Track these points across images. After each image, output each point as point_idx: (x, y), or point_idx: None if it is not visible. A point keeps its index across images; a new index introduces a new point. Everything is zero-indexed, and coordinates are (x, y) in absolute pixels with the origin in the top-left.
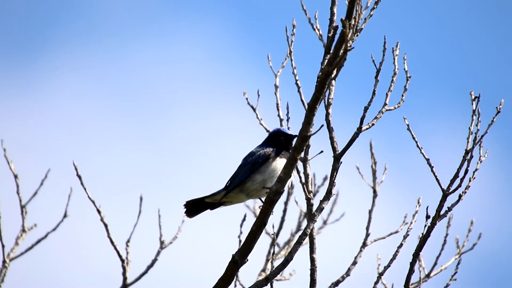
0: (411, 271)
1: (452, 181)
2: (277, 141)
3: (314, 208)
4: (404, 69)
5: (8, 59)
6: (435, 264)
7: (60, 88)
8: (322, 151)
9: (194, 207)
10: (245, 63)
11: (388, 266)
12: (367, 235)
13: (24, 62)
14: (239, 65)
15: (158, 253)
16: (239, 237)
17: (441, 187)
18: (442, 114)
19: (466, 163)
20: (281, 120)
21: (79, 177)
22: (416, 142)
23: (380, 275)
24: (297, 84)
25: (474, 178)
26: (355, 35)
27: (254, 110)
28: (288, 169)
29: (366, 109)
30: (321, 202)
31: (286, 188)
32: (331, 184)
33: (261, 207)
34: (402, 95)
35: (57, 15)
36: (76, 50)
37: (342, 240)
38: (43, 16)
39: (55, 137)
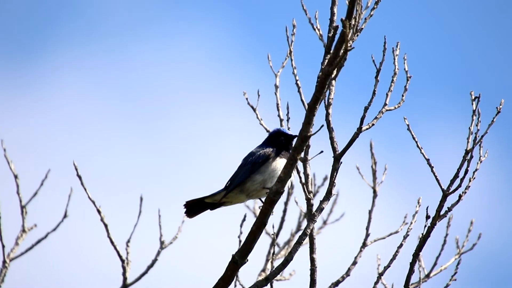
0: (411, 271)
1: (452, 181)
2: (277, 141)
3: (314, 208)
4: (404, 69)
5: (8, 59)
6: (435, 264)
7: (60, 88)
8: (322, 151)
9: (194, 207)
10: (245, 63)
11: (388, 266)
12: (367, 235)
13: (24, 62)
14: (239, 65)
15: (158, 253)
16: (239, 237)
17: (441, 187)
18: (442, 114)
19: (466, 163)
20: (281, 120)
21: (79, 177)
22: (416, 142)
23: (380, 275)
24: (297, 84)
25: (474, 178)
26: (355, 35)
27: (254, 110)
28: (288, 169)
29: (366, 109)
30: (321, 202)
31: (286, 188)
32: (331, 184)
33: (261, 207)
34: (402, 95)
35: (57, 15)
36: (76, 50)
37: (342, 240)
38: (43, 16)
39: (55, 137)
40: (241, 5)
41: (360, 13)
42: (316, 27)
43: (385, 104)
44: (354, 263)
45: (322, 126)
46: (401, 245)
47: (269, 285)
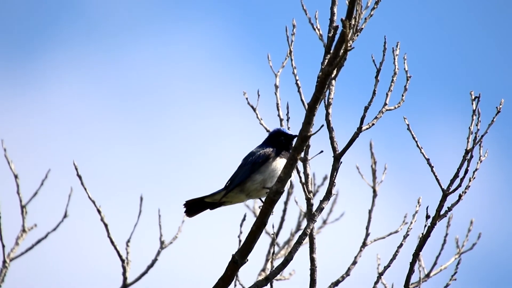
0: (411, 271)
1: (452, 181)
2: (277, 141)
3: (314, 208)
4: (404, 69)
5: (8, 59)
6: (435, 264)
7: (60, 88)
8: (322, 151)
9: (193, 207)
10: (245, 63)
11: (388, 266)
12: (367, 235)
13: (24, 62)
14: (239, 65)
15: (158, 253)
16: (239, 237)
17: (441, 187)
18: (442, 114)
19: (466, 163)
20: (281, 120)
21: (79, 177)
22: (416, 142)
23: (380, 275)
24: (297, 84)
25: (474, 178)
26: (355, 35)
27: (254, 110)
28: (288, 169)
29: (366, 109)
30: (321, 202)
31: (286, 188)
32: (331, 184)
33: (261, 207)
34: (402, 95)
35: (57, 15)
36: (76, 50)
37: (342, 240)
38: (43, 16)
39: (55, 137)
40: (241, 5)
41: (360, 13)
42: (316, 27)
43: (385, 104)
44: (354, 262)
45: (322, 126)
46: (401, 244)
47: (269, 285)
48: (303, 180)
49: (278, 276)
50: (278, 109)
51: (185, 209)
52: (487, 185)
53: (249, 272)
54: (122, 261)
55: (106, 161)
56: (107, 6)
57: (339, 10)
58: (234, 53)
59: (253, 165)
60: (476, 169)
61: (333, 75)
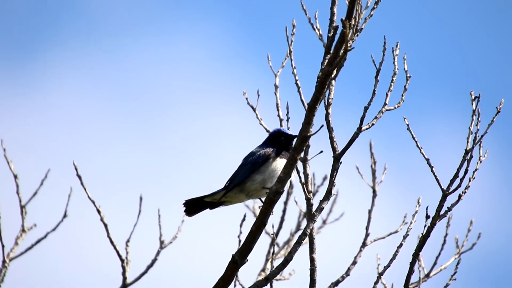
0: (410, 271)
1: (452, 181)
2: (277, 141)
3: (314, 208)
4: (404, 69)
5: (8, 59)
6: (435, 264)
7: (60, 88)
8: (322, 151)
9: (193, 206)
10: (245, 63)
11: (388, 266)
12: (367, 235)
13: (24, 62)
14: (239, 65)
15: (158, 253)
16: (239, 237)
17: (441, 187)
18: (442, 114)
19: (466, 163)
20: (281, 120)
21: (79, 177)
22: (416, 142)
23: (380, 275)
24: (297, 84)
25: (474, 178)
26: (355, 35)
27: (254, 110)
28: (288, 169)
29: (366, 109)
30: (321, 202)
31: (285, 188)
32: (331, 184)
33: (261, 207)
34: (402, 95)
35: (57, 15)
36: (76, 50)
37: (342, 240)
38: (43, 16)
39: (55, 137)
40: (241, 5)
41: (360, 13)
42: (316, 27)
43: (385, 104)
44: (354, 262)
45: (322, 126)
46: (401, 245)
47: (268, 285)
48: (303, 180)
49: (278, 276)
50: (278, 109)
51: (184, 208)
52: (487, 185)
53: (249, 272)
54: (122, 261)
55: (106, 161)
56: (107, 6)
57: (339, 10)
58: (234, 53)
59: (253, 165)
60: (476, 169)
61: (333, 75)
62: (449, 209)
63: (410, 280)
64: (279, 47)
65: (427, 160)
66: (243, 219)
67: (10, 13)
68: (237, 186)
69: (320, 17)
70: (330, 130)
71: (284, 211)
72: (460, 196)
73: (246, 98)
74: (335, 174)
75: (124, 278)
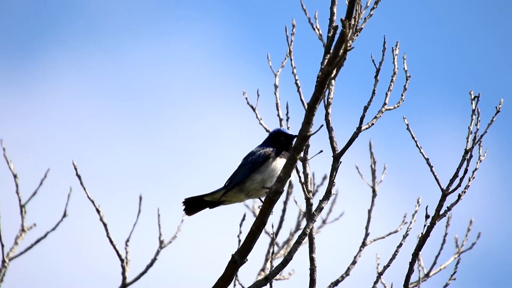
0: (410, 271)
1: (451, 181)
2: (277, 141)
3: (314, 207)
4: (404, 68)
5: (8, 58)
6: (434, 263)
7: (60, 88)
8: (321, 151)
9: (193, 205)
10: (245, 63)
11: (388, 265)
12: (367, 234)
13: (24, 62)
14: (239, 65)
15: (158, 252)
16: (238, 237)
17: (440, 186)
18: (442, 113)
19: (465, 162)
20: (280, 120)
21: (79, 176)
22: (416, 141)
23: (380, 274)
24: (296, 84)
25: (474, 177)
26: (355, 35)
27: (254, 110)
28: (288, 169)
29: (365, 108)
30: (321, 201)
31: (285, 188)
32: (331, 183)
33: (260, 207)
34: (402, 95)
35: (57, 15)
36: (76, 50)
37: (342, 239)
38: (43, 16)
39: (55, 137)
40: (241, 5)
41: (359, 13)
42: (316, 27)
43: (385, 104)
44: (354, 262)
45: (322, 125)
46: (400, 244)
47: (268, 284)
48: (303, 180)
49: (278, 276)
50: (277, 109)
51: (184, 207)
52: (487, 185)
53: (248, 272)
54: (121, 260)
55: (106, 160)
56: (107, 6)
57: (339, 10)
58: (234, 53)
59: (253, 164)
60: (476, 169)
61: (332, 75)
62: (449, 208)
63: (409, 279)
64: (279, 47)
65: (427, 159)
66: (243, 219)
67: (10, 13)
68: (237, 186)
69: (320, 17)
70: (329, 129)
71: (283, 210)
72: (459, 195)
73: (246, 98)
74: (334, 173)
75: (124, 278)
